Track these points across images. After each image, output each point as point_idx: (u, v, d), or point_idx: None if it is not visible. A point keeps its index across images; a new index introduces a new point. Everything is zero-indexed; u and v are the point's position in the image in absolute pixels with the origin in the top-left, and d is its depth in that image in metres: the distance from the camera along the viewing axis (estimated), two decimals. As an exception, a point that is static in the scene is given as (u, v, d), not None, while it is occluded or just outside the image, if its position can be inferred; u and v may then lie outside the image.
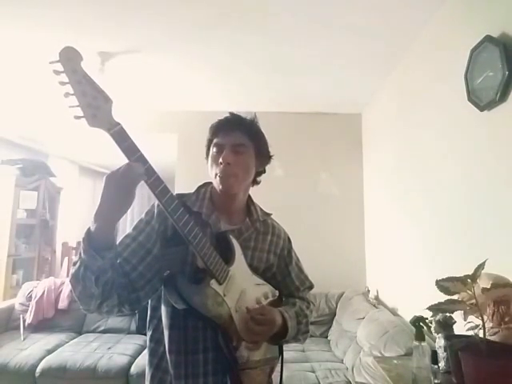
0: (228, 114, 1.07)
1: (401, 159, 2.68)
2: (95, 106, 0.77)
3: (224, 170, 0.99)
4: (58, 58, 0.74)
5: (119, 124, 0.80)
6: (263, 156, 1.09)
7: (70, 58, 0.76)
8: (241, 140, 1.02)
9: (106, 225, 0.81)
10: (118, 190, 0.79)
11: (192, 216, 0.91)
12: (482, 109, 1.58)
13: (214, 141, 1.04)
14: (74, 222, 5.84)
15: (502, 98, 1.44)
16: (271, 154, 1.12)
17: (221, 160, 0.99)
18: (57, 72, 0.75)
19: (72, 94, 0.75)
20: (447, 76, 1.92)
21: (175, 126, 3.79)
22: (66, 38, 2.28)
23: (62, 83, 0.75)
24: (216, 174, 1.01)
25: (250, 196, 1.15)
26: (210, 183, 1.11)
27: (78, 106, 0.76)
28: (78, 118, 0.76)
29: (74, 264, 0.83)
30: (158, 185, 0.82)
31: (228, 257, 0.98)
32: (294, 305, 1.14)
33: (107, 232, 0.82)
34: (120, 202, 0.80)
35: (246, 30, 2.28)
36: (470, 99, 1.65)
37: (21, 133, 4.26)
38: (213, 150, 1.04)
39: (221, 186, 1.01)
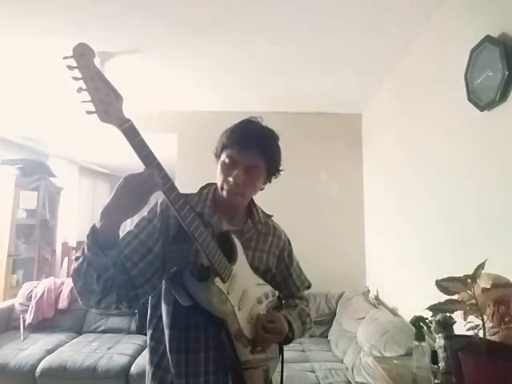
0: (247, 123, 1.03)
1: (401, 159, 2.68)
2: (107, 102, 0.78)
3: (232, 188, 1.01)
4: (71, 54, 0.75)
5: (130, 120, 0.80)
6: (273, 173, 1.09)
7: (83, 54, 0.77)
8: (255, 161, 1.01)
9: (112, 224, 0.81)
10: (134, 194, 0.79)
11: (196, 215, 0.92)
12: (482, 109, 1.58)
13: (228, 151, 1.00)
14: (73, 222, 5.84)
15: (502, 98, 1.44)
16: (282, 168, 1.11)
17: (231, 179, 0.99)
18: (70, 67, 0.76)
19: (85, 90, 0.76)
20: (447, 76, 1.92)
21: (175, 125, 3.79)
22: (66, 39, 2.28)
23: (75, 78, 0.76)
24: (223, 187, 1.02)
25: (252, 198, 1.15)
26: (213, 184, 1.12)
27: (90, 101, 0.77)
28: (90, 113, 0.77)
29: (77, 259, 0.84)
30: (165, 182, 0.83)
31: (230, 256, 0.99)
32: (296, 306, 1.16)
33: (112, 230, 0.82)
34: (132, 206, 0.80)
35: (246, 30, 2.28)
36: (470, 99, 1.64)
37: (21, 133, 4.26)
38: (225, 159, 1.01)
39: (226, 199, 1.03)
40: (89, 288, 0.83)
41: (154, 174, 0.80)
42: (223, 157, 1.02)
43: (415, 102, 2.40)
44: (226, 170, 1.01)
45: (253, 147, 0.99)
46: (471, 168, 1.71)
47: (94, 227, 0.81)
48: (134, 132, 0.80)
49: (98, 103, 0.77)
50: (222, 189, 1.03)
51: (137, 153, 0.80)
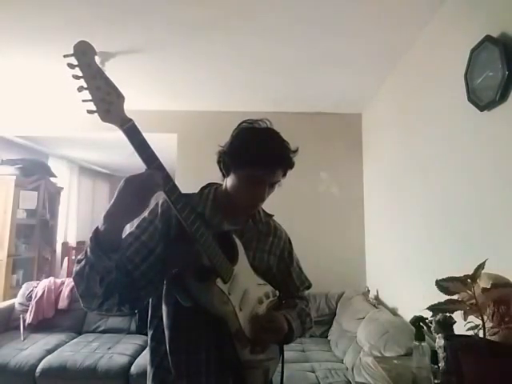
0: (267, 137, 1.02)
1: (401, 159, 2.68)
2: (108, 101, 0.76)
3: (257, 205, 1.05)
4: (72, 52, 0.74)
5: (131, 120, 0.79)
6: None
7: (84, 52, 0.75)
8: (279, 177, 1.03)
9: (115, 226, 0.80)
10: (135, 196, 0.78)
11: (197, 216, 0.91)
12: (482, 109, 1.58)
13: (253, 170, 0.98)
14: (73, 222, 5.85)
15: (502, 98, 1.44)
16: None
17: (257, 197, 1.02)
18: (71, 66, 0.73)
19: (86, 88, 0.75)
20: (447, 76, 1.92)
21: (175, 125, 3.79)
22: (66, 38, 2.27)
23: (76, 77, 0.74)
24: (245, 202, 1.03)
25: None
26: (214, 184, 1.12)
27: (91, 100, 0.75)
28: (91, 112, 0.75)
29: (79, 261, 0.83)
30: (166, 183, 0.82)
31: (232, 256, 0.98)
32: (295, 306, 1.16)
33: (115, 233, 0.81)
34: (134, 208, 0.79)
35: (246, 31, 2.28)
36: (469, 99, 1.64)
37: (21, 133, 4.26)
38: (249, 178, 0.99)
39: (246, 212, 1.07)
40: (91, 291, 0.83)
41: (155, 175, 0.79)
42: (246, 173, 0.99)
43: (415, 102, 2.40)
44: (252, 186, 1.00)
45: (279, 166, 1.01)
46: (471, 168, 1.71)
47: (96, 230, 0.80)
48: (135, 131, 0.79)
49: (99, 102, 0.75)
50: (241, 202, 1.02)
51: (138, 152, 0.79)
